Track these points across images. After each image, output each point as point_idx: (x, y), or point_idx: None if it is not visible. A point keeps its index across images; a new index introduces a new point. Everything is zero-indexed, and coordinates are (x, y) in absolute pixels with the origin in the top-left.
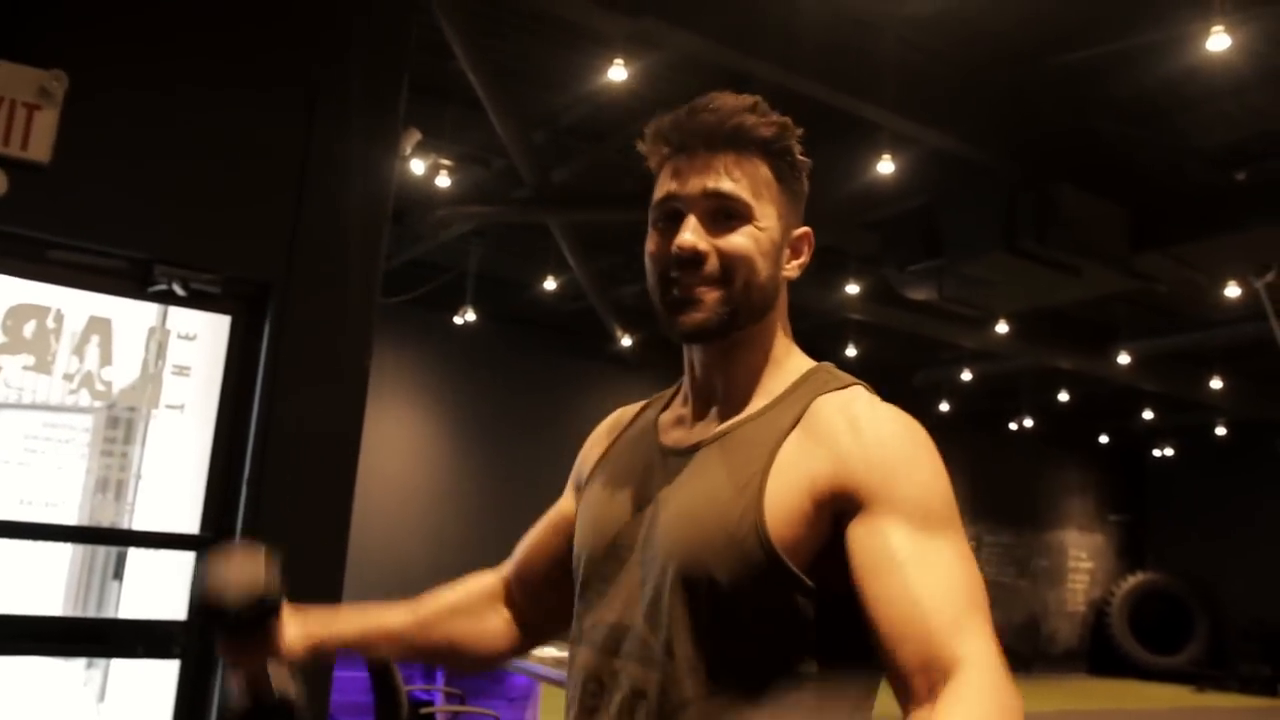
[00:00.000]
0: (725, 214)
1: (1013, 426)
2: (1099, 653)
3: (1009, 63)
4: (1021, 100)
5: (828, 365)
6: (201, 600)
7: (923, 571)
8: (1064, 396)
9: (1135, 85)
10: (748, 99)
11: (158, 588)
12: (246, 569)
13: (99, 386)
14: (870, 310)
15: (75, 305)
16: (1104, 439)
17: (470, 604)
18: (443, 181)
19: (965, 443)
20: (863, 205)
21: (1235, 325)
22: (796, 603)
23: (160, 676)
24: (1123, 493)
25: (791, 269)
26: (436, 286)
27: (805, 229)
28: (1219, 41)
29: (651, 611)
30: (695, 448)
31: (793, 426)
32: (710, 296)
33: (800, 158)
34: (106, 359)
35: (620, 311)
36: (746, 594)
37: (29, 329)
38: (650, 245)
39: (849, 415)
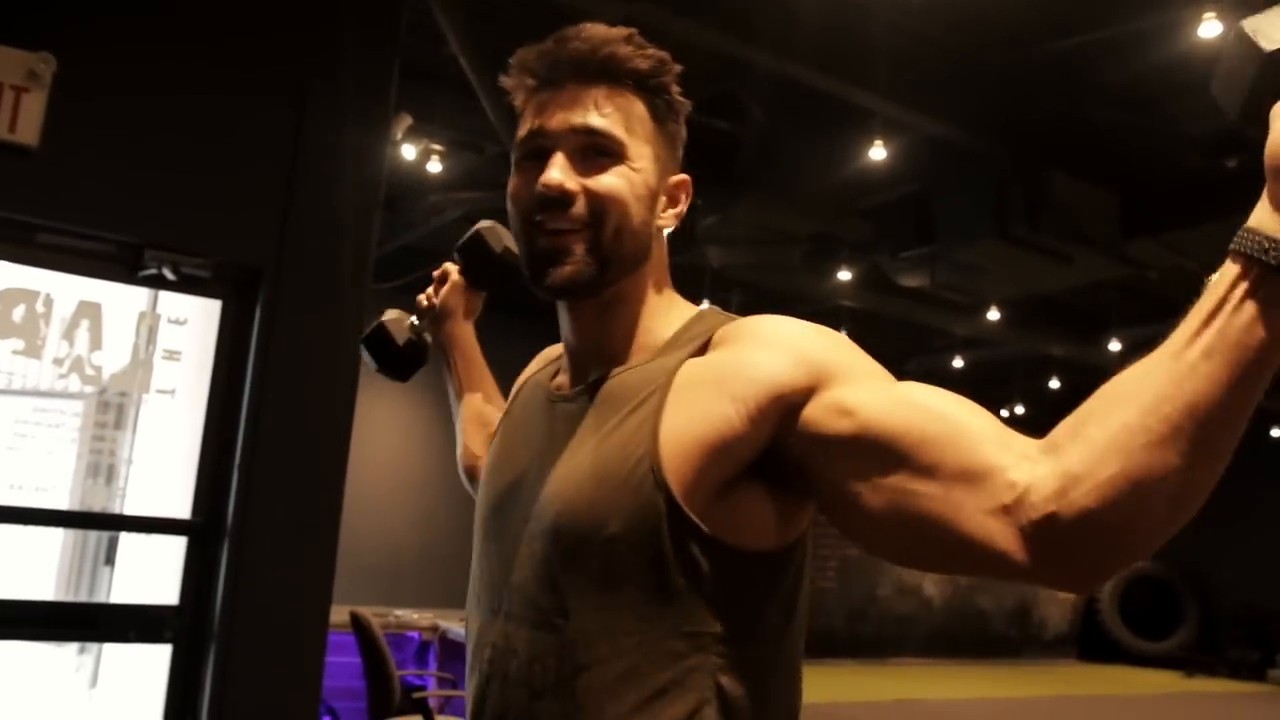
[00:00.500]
0: (596, 151)
1: (1004, 414)
2: (1089, 639)
3: (1001, 49)
4: (1013, 87)
5: (715, 308)
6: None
7: (937, 394)
8: (1055, 384)
9: (1127, 72)
10: (622, 30)
11: (149, 572)
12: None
13: (89, 371)
14: (863, 297)
15: (65, 289)
16: None
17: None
18: (434, 167)
19: None
20: (855, 192)
21: None
22: (693, 553)
23: (152, 662)
24: None
25: (667, 218)
26: (429, 273)
27: (683, 176)
28: (1211, 28)
29: (541, 571)
30: (577, 396)
31: (689, 358)
32: (579, 247)
33: (679, 97)
34: (96, 343)
35: None
36: (639, 545)
37: (18, 313)
38: (512, 187)
39: (768, 324)
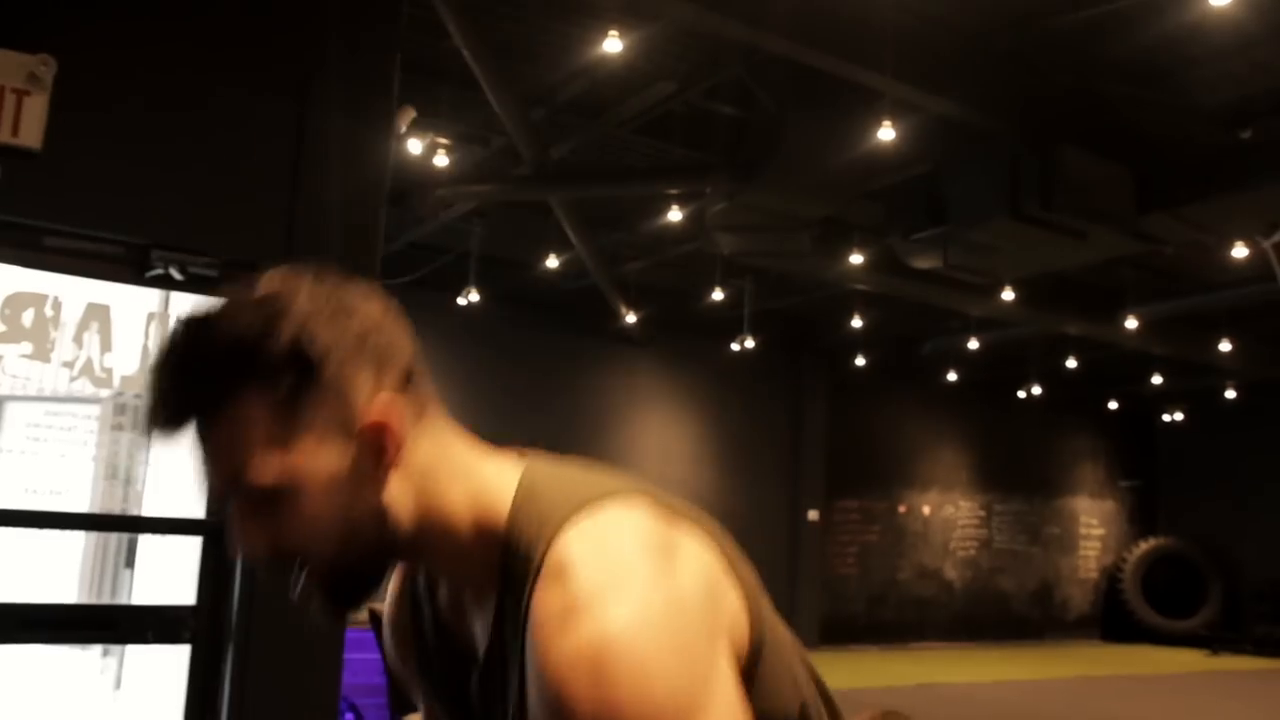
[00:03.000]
0: (246, 499)
1: (1021, 394)
2: (1112, 619)
3: (1009, 25)
4: (1022, 63)
5: (518, 518)
6: None
7: None
8: (1072, 363)
9: (1138, 44)
10: (177, 343)
11: (167, 573)
12: None
13: (99, 373)
14: (876, 280)
15: (73, 292)
16: (1113, 405)
17: None
18: (441, 161)
19: (975, 412)
20: (865, 174)
21: (1243, 286)
22: None
23: (173, 663)
24: (1133, 458)
25: (382, 470)
26: (439, 268)
27: (374, 413)
28: None
29: None
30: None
31: (523, 663)
32: (311, 583)
33: (308, 348)
34: (106, 345)
35: (623, 288)
36: None
37: (28, 317)
38: None
39: (537, 665)
